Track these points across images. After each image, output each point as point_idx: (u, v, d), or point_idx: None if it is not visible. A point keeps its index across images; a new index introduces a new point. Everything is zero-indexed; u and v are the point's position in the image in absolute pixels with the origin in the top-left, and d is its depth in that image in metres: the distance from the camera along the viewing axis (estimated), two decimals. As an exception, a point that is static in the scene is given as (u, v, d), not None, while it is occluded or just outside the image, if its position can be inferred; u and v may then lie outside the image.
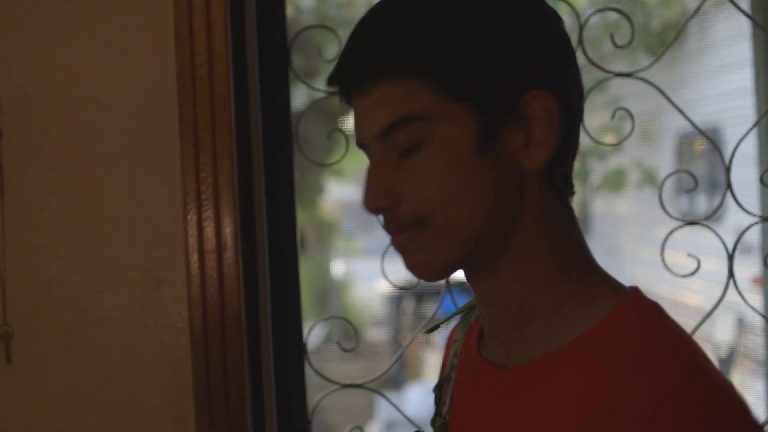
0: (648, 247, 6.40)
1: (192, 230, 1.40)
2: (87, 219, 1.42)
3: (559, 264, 0.86)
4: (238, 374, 1.42)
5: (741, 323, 5.09)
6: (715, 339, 4.86)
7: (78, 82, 1.41)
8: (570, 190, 0.89)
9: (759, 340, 4.54)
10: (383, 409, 5.88)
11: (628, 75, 1.70)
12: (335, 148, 1.61)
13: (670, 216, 1.68)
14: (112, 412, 1.42)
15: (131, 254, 1.42)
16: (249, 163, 1.43)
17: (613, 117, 1.65)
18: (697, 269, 1.66)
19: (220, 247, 1.40)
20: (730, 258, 1.74)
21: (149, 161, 1.41)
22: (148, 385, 1.42)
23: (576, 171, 0.90)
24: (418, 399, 5.43)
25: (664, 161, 6.19)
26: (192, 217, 1.40)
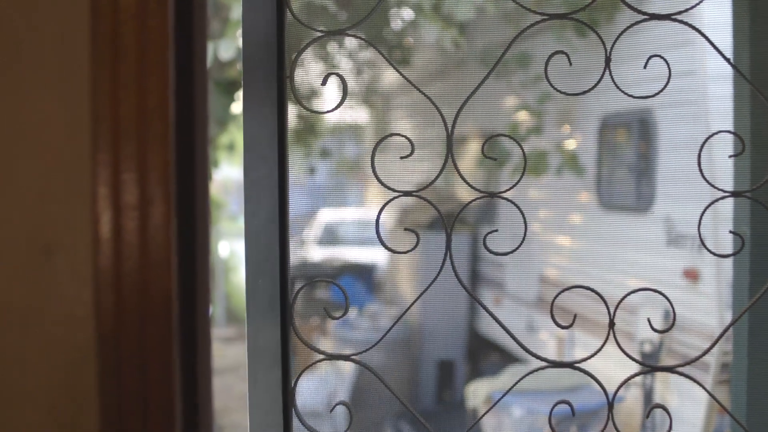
0: (561, 236, 6.21)
1: (104, 176, 0.96)
2: (-55, 155, 0.97)
3: None
4: (163, 386, 0.99)
5: (667, 318, 4.88)
6: (639, 335, 4.62)
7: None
8: None
9: (687, 338, 4.34)
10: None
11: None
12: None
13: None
14: (-26, 439, 0.98)
15: (11, 209, 0.98)
16: (190, 83, 1.00)
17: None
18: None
19: (144, 201, 0.97)
20: None
21: (45, 74, 0.96)
22: (30, 400, 0.98)
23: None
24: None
25: (586, 145, 5.91)
26: (104, 157, 0.96)
